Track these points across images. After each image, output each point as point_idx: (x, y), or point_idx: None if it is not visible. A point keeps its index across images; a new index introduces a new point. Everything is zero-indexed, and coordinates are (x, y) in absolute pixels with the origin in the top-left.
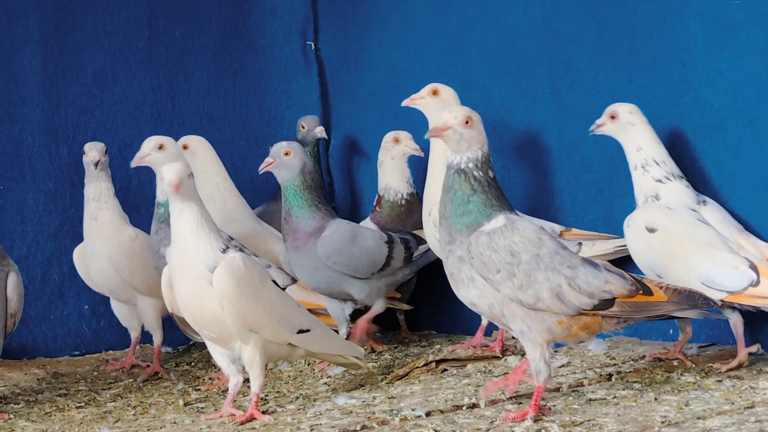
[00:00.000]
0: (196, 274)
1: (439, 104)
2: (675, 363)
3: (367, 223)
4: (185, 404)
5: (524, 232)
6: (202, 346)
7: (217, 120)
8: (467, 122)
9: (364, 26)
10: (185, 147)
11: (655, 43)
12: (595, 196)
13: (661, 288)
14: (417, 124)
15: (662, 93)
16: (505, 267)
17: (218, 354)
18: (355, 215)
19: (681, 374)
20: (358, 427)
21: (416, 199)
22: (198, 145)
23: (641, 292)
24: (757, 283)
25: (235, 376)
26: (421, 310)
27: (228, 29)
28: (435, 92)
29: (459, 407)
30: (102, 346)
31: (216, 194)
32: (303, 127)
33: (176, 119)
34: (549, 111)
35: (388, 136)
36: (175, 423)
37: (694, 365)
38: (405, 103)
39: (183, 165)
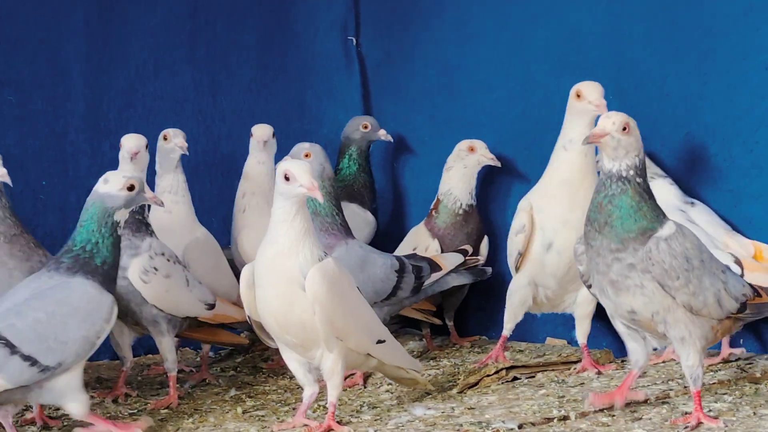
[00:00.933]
0: (288, 278)
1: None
2: (758, 375)
3: (421, 230)
4: (243, 412)
5: (692, 237)
6: (244, 350)
7: (259, 117)
8: (625, 129)
9: (411, 22)
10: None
11: (733, 43)
12: None
13: (762, 290)
14: (471, 125)
15: (740, 97)
16: (684, 274)
17: (294, 362)
18: (396, 218)
19: None
20: None
21: (474, 211)
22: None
23: (756, 294)
24: (742, 276)
25: (311, 385)
26: (468, 314)
27: (269, 24)
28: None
29: (549, 419)
30: (141, 350)
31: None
32: (365, 127)
33: (218, 115)
34: None
35: (462, 145)
36: None
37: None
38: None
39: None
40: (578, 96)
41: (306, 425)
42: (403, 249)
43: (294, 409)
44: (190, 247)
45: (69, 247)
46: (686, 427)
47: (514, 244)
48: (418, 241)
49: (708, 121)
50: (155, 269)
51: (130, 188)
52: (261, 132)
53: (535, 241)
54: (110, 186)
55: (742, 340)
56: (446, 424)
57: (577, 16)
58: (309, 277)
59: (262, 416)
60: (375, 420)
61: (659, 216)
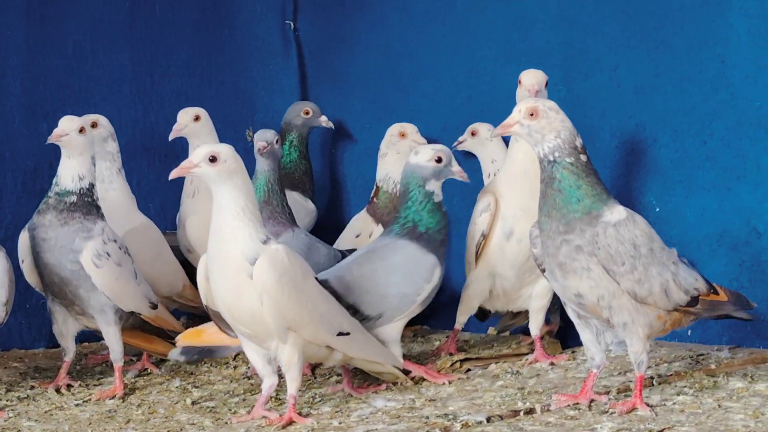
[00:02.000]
0: (235, 266)
1: (482, 143)
2: (713, 367)
3: (363, 216)
4: (193, 403)
5: (643, 226)
6: None
7: (194, 100)
8: (532, 114)
9: (352, 6)
10: (197, 118)
11: (688, 34)
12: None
13: (722, 289)
14: (414, 112)
15: (694, 88)
16: (629, 260)
17: (253, 353)
18: (334, 207)
19: (727, 379)
20: None
21: None
22: (207, 117)
23: (712, 291)
24: None
25: (270, 377)
26: None
27: (206, 3)
28: (474, 133)
29: (516, 413)
30: (77, 338)
31: None
32: (307, 113)
33: (155, 97)
34: (561, 103)
35: (393, 129)
36: (193, 424)
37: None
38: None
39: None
40: (519, 83)
41: (265, 417)
42: (347, 236)
43: (243, 400)
44: (129, 235)
45: (398, 216)
46: (614, 412)
47: (477, 225)
48: (362, 227)
49: (660, 112)
50: (108, 254)
51: (438, 160)
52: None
53: (496, 230)
54: (419, 158)
55: (690, 332)
56: (411, 416)
57: (525, 2)
58: (257, 265)
59: (213, 408)
60: (336, 412)
61: (602, 195)
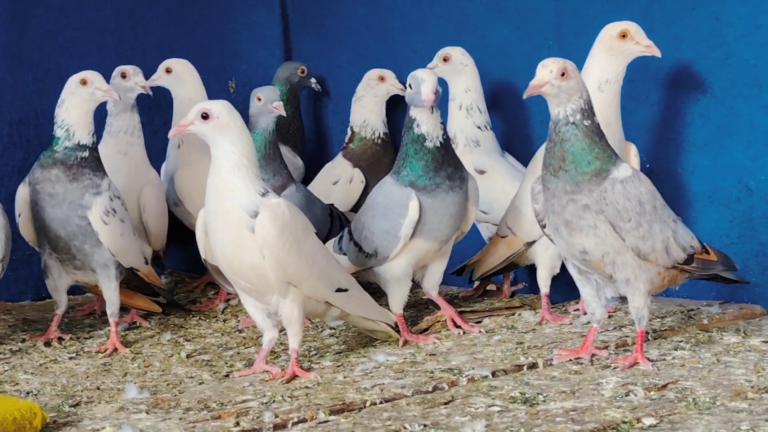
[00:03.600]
0: (234, 219)
1: (456, 69)
2: (705, 322)
3: (340, 161)
4: (188, 356)
5: (647, 183)
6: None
7: (178, 51)
8: (563, 74)
9: None
10: (168, 70)
11: None
12: None
13: (711, 249)
14: (401, 66)
15: (688, 46)
16: (635, 217)
17: (252, 307)
18: (321, 158)
19: (721, 334)
20: (430, 388)
21: (390, 140)
22: (183, 69)
23: (704, 251)
24: None
25: (270, 330)
26: None
27: None
28: (446, 59)
29: (519, 367)
30: None
31: None
32: (302, 72)
33: (138, 48)
34: None
35: (372, 73)
36: (191, 377)
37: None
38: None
39: None
40: (623, 36)
41: (267, 371)
42: (323, 182)
43: (238, 353)
44: (146, 190)
45: None
46: (616, 367)
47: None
48: (340, 173)
49: (652, 70)
50: (114, 211)
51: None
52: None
53: None
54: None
55: (678, 287)
56: (415, 370)
57: None
58: (258, 219)
59: (209, 361)
60: (338, 367)
61: (612, 157)
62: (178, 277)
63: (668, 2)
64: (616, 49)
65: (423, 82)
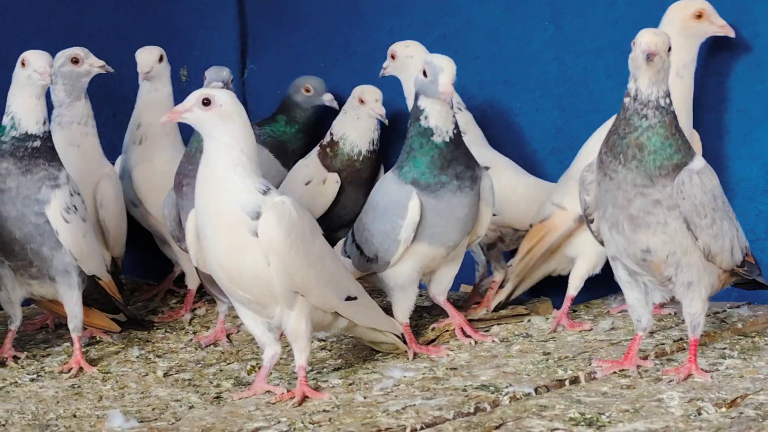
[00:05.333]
0: (232, 221)
1: (404, 64)
2: (740, 326)
3: (313, 162)
4: (165, 375)
5: (715, 174)
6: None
7: (127, 38)
8: (669, 49)
9: None
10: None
11: None
12: None
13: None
14: (376, 52)
15: None
16: (710, 213)
17: (251, 320)
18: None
19: (765, 339)
20: (471, 409)
21: (375, 158)
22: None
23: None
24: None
25: (272, 345)
26: None
27: None
28: (393, 56)
29: (560, 382)
30: None
31: None
32: (307, 91)
33: (83, 34)
34: (550, 42)
35: (354, 92)
36: (177, 401)
37: None
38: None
39: None
40: (699, 16)
41: (269, 392)
42: (294, 180)
43: (221, 371)
44: (103, 185)
45: None
46: (671, 380)
47: None
48: (313, 174)
49: None
50: (75, 208)
51: (423, 73)
52: (141, 60)
53: None
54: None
55: None
56: (443, 388)
57: None
58: (263, 220)
59: (191, 381)
60: (350, 385)
61: (690, 149)
62: (134, 284)
63: None
64: (691, 29)
65: (442, 70)
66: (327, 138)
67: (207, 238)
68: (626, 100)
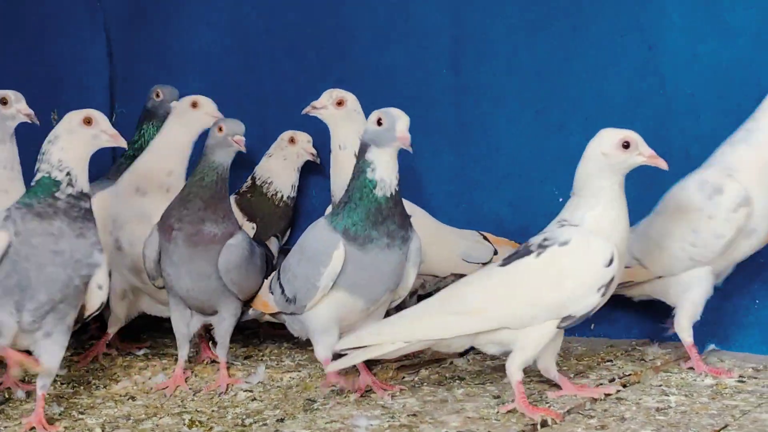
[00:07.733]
0: None
1: (345, 115)
2: (659, 363)
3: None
4: None
5: None
6: None
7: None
8: None
9: None
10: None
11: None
12: (503, 181)
13: None
14: (265, 106)
15: (616, 74)
16: None
17: None
18: None
19: (694, 376)
20: None
21: (294, 204)
22: None
23: None
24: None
25: None
26: None
27: None
28: (341, 103)
29: (533, 426)
30: None
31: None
32: (157, 96)
33: None
34: (449, 89)
35: (285, 135)
36: None
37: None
38: (305, 111)
39: None
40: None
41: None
42: None
43: (157, 426)
44: None
45: None
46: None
47: (732, 221)
48: None
49: (571, 99)
50: None
51: (378, 122)
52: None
53: None
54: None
55: (593, 325)
56: None
57: None
58: None
59: None
60: None
61: None
62: None
63: (582, 28)
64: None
65: (399, 118)
66: (248, 182)
67: None
68: None
